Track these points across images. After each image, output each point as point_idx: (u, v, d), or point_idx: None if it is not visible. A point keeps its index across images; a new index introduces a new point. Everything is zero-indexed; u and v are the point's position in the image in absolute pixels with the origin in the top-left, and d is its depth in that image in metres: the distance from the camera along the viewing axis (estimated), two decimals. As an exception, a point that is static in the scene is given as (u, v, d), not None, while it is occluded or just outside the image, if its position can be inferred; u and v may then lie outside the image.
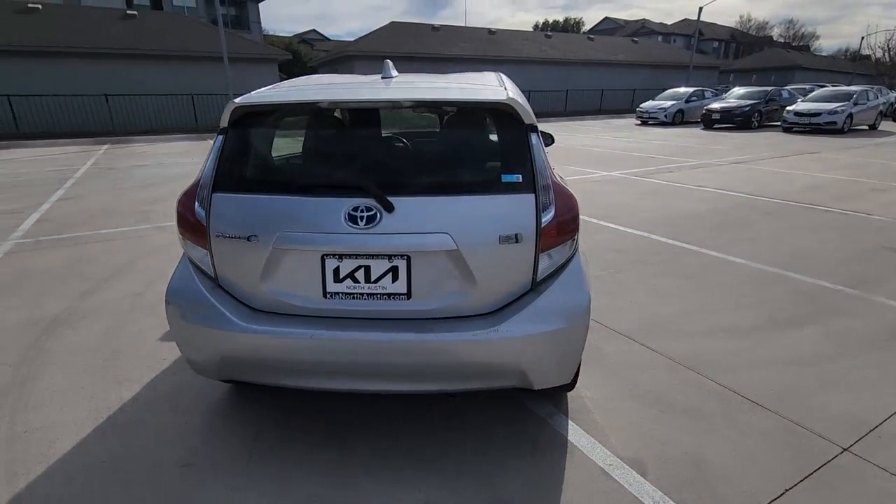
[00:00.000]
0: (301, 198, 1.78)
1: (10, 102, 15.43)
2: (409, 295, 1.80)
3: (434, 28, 28.49)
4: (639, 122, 20.53)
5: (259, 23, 41.10)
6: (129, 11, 20.49)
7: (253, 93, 1.98)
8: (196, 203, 1.86)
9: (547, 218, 1.77)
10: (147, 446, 2.12)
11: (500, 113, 1.85)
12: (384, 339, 1.76)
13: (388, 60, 2.30)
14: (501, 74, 2.37)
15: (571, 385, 2.28)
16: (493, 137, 1.95)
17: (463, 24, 31.95)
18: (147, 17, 20.57)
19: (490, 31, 29.92)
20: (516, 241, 1.76)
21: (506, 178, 1.80)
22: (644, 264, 4.37)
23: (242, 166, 1.91)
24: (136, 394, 2.49)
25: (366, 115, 2.16)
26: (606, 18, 64.93)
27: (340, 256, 1.77)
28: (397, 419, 2.29)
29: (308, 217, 1.75)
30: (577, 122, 21.80)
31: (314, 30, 64.13)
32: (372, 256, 1.76)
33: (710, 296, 3.68)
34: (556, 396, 2.43)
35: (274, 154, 2.18)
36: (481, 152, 2.03)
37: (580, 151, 12.20)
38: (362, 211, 1.72)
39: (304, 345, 1.78)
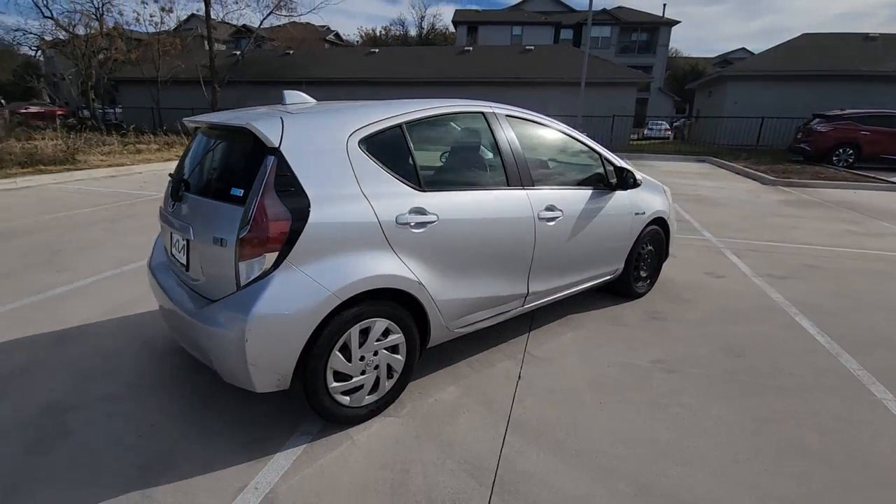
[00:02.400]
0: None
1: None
2: (187, 267, 2.32)
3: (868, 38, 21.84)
4: None
5: (666, 46, 41.18)
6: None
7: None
8: None
9: (244, 232, 1.96)
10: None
11: (248, 134, 2.09)
12: (173, 293, 2.40)
13: (288, 92, 2.64)
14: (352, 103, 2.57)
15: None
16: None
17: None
18: (477, 50, 24.48)
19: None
20: (222, 245, 2.04)
21: (233, 191, 2.08)
22: None
23: None
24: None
25: (205, 132, 2.60)
26: None
27: (171, 227, 2.44)
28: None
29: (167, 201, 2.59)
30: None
31: (743, 48, 58.84)
32: (176, 229, 2.37)
33: None
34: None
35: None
36: (235, 167, 2.30)
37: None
38: (177, 198, 2.44)
39: (157, 293, 2.62)
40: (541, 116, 3.22)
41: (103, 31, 23.75)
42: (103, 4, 23.73)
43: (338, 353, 2.15)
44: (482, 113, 2.82)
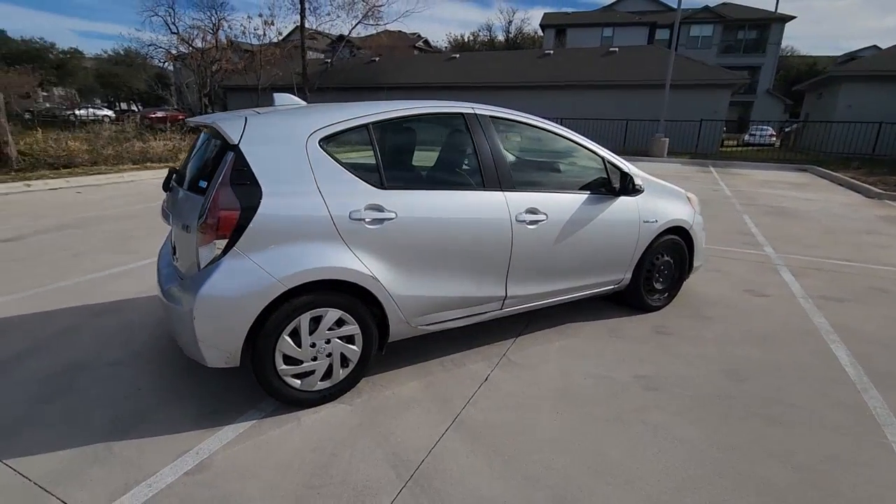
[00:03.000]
0: None
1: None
2: (174, 252, 2.59)
3: None
4: None
5: (778, 44, 37.61)
6: (611, 48, 24.03)
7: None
8: None
9: (201, 220, 2.15)
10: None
11: (216, 132, 2.33)
12: (161, 276, 2.67)
13: (277, 95, 2.85)
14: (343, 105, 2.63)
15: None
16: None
17: None
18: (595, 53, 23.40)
19: None
20: (188, 232, 2.27)
21: (200, 183, 2.31)
22: None
23: None
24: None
25: (203, 131, 2.77)
26: None
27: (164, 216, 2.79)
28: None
29: None
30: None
31: (875, 46, 52.01)
32: (166, 217, 2.71)
33: None
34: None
35: None
36: (208, 161, 2.46)
37: None
38: (167, 189, 2.78)
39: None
40: (535, 118, 3.16)
41: (217, 44, 26.53)
42: (219, 20, 26.56)
43: (287, 337, 2.29)
44: (462, 114, 2.84)
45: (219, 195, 2.15)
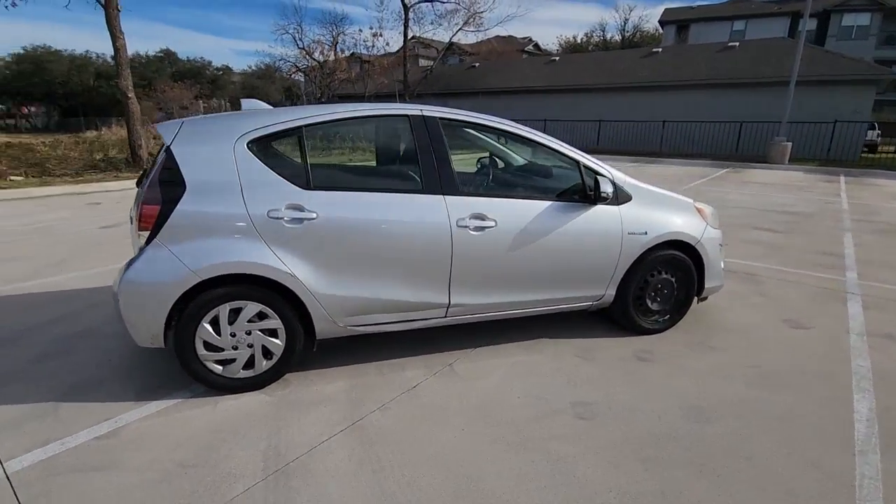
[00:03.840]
0: None
1: (601, 127, 20.72)
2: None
3: None
4: None
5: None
6: (730, 44, 21.60)
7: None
8: None
9: (138, 211, 2.43)
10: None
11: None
12: None
13: (245, 101, 2.99)
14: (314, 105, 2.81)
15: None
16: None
17: None
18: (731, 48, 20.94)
19: None
20: (131, 223, 2.64)
21: (144, 181, 2.61)
22: None
23: None
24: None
25: None
26: None
27: None
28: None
29: None
30: None
31: None
32: None
33: None
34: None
35: None
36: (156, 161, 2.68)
37: None
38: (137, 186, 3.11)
39: None
40: (500, 121, 3.01)
41: (336, 55, 28.87)
42: (336, 34, 28.87)
43: (206, 325, 2.46)
44: (407, 116, 2.80)
45: (147, 191, 2.38)
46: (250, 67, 46.78)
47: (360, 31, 27.79)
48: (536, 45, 50.40)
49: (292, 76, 38.22)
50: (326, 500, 1.89)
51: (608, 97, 21.58)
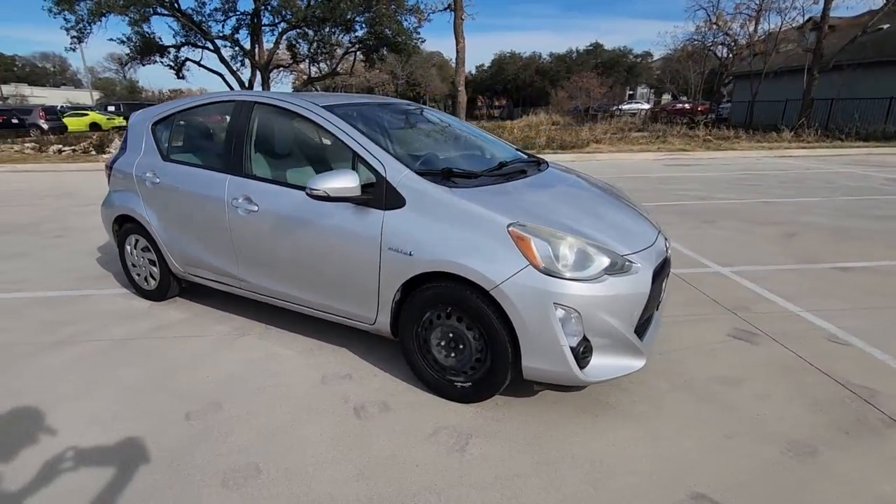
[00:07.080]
0: None
1: None
2: None
3: None
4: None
5: None
6: None
7: None
8: None
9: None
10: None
11: None
12: None
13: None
14: None
15: None
16: None
17: None
18: None
19: None
20: None
21: None
22: None
23: None
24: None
25: None
26: None
27: None
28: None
29: None
30: None
31: None
32: None
33: None
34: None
35: None
36: None
37: None
38: None
39: None
40: (307, 108, 2.76)
41: (757, 26, 24.50)
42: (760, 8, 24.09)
43: (128, 246, 3.67)
44: (234, 101, 3.06)
45: (110, 157, 3.76)
46: (669, 50, 45.06)
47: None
48: None
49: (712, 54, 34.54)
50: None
51: None
